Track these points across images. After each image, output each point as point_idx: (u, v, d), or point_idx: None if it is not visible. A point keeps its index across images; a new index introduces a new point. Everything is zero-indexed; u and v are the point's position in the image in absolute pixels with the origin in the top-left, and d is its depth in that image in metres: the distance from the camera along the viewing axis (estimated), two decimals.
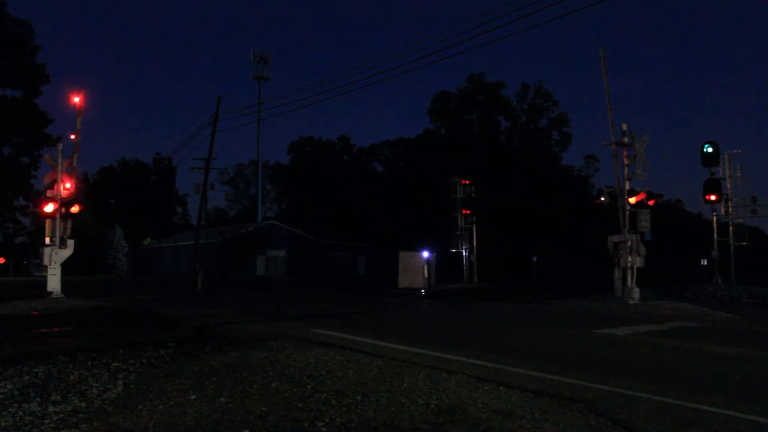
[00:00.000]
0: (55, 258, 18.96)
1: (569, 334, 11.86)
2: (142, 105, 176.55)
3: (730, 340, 11.31)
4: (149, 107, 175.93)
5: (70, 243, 19.35)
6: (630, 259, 18.84)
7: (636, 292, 18.68)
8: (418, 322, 14.69)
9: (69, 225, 19.44)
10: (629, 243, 18.91)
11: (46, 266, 19.24)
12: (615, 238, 19.41)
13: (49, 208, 19.00)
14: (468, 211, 39.05)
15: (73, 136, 20.42)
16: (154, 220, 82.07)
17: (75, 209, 19.29)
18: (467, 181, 39.43)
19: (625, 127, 19.94)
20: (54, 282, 18.84)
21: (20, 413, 5.11)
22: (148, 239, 74.60)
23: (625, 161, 19.74)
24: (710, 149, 25.26)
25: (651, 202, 19.68)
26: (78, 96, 20.46)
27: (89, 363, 7.26)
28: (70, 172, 19.78)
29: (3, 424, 4.82)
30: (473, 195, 39.41)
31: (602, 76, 20.41)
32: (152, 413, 5.11)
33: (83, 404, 5.44)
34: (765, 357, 9.15)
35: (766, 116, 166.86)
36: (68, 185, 19.38)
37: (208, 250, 45.88)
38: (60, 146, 20.37)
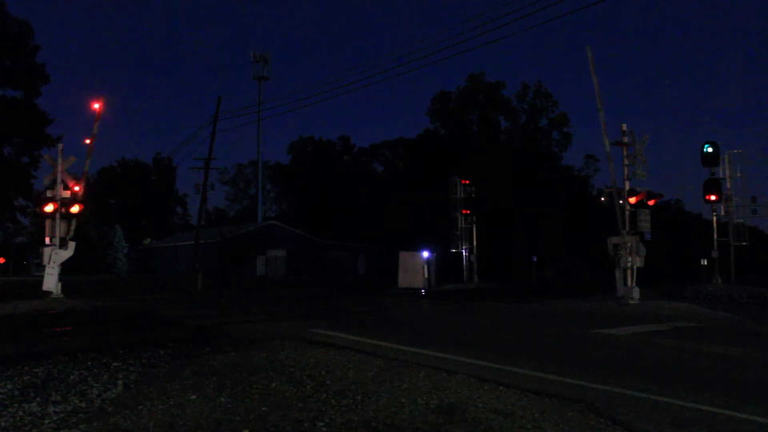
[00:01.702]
0: (55, 258, 18.92)
1: (569, 334, 11.87)
2: (142, 105, 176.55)
3: (730, 340, 11.31)
4: (149, 107, 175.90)
5: (71, 244, 19.29)
6: (630, 259, 18.84)
7: (636, 292, 18.68)
8: (418, 322, 14.68)
9: (72, 226, 19.39)
10: (629, 243, 18.90)
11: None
12: (615, 239, 19.39)
13: (49, 208, 18.99)
14: (468, 211, 39.05)
15: (88, 141, 20.69)
16: (154, 220, 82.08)
17: (75, 209, 19.26)
18: (467, 181, 39.43)
19: (624, 127, 19.91)
20: (51, 281, 18.72)
21: (20, 413, 5.11)
22: (148, 239, 74.57)
23: (625, 161, 19.72)
24: (710, 149, 25.27)
25: (651, 202, 19.68)
26: (98, 102, 20.68)
27: (89, 363, 7.26)
28: (80, 176, 19.96)
29: (3, 424, 4.82)
30: (473, 195, 39.41)
31: (592, 77, 20.29)
32: (152, 413, 5.11)
33: (83, 404, 5.44)
34: (765, 357, 9.15)
35: (766, 116, 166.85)
36: (76, 188, 19.49)
37: (208, 250, 45.84)
38: (60, 146, 20.40)
